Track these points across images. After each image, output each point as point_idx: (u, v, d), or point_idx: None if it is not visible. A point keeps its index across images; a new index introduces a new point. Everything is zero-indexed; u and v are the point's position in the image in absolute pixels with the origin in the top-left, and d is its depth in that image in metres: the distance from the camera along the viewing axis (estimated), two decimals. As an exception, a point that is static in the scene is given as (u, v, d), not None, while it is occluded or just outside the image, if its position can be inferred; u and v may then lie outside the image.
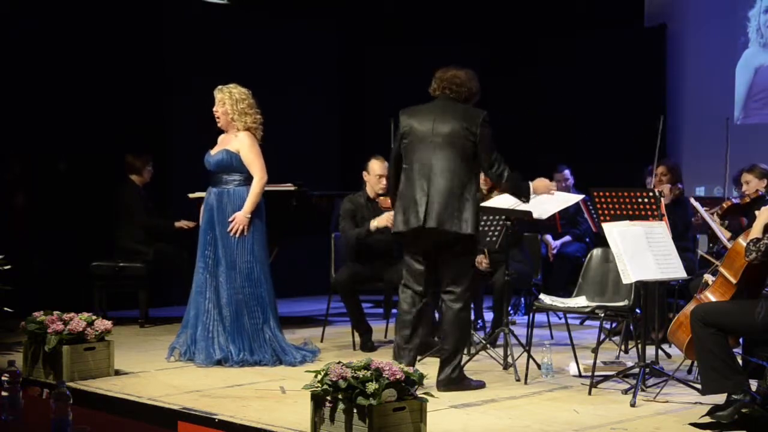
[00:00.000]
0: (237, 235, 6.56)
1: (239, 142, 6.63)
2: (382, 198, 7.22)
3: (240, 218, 6.57)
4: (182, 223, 8.38)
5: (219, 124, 6.71)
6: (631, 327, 6.89)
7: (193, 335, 6.61)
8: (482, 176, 7.41)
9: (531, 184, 5.99)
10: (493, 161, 5.75)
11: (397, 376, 4.56)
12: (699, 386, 5.33)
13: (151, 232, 8.45)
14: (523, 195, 5.97)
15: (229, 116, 6.65)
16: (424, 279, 5.85)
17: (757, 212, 5.33)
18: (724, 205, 6.90)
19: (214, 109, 6.68)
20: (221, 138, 6.77)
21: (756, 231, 5.19)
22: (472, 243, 5.81)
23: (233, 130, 6.68)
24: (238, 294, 6.56)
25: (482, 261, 7.07)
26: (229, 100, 6.64)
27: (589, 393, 5.78)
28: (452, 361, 5.80)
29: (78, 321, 6.06)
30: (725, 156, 6.73)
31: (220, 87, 6.69)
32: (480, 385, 5.93)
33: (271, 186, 6.86)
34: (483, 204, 6.72)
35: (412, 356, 5.79)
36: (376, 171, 7.24)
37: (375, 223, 7.08)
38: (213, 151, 6.71)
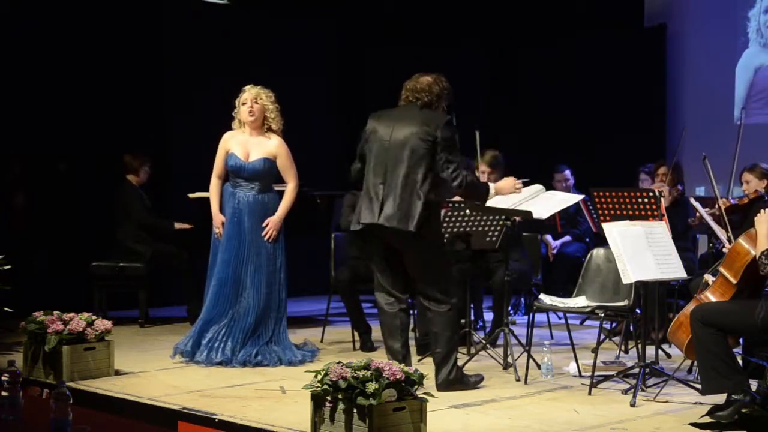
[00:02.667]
0: (271, 240, 6.58)
1: (276, 149, 6.65)
2: None
3: (275, 223, 6.62)
4: (181, 225, 8.37)
5: (253, 120, 6.62)
6: (631, 327, 6.89)
7: (201, 336, 6.57)
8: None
9: (492, 185, 5.98)
10: (449, 165, 5.67)
11: (397, 376, 4.57)
12: (699, 386, 5.34)
13: (150, 232, 8.45)
14: (480, 198, 5.96)
15: (266, 113, 6.65)
16: (394, 280, 5.81)
17: (757, 217, 5.30)
18: (721, 205, 6.86)
19: (248, 106, 6.61)
20: (242, 138, 6.67)
21: (763, 242, 5.15)
22: (428, 241, 5.70)
23: (261, 131, 6.67)
24: (264, 300, 6.58)
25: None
26: (267, 98, 6.66)
27: (589, 393, 5.78)
28: (448, 363, 5.79)
29: (78, 321, 6.06)
30: (734, 156, 6.74)
31: (250, 86, 6.67)
32: (479, 379, 5.94)
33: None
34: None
35: (408, 354, 5.81)
36: None
37: None
38: (243, 156, 6.61)
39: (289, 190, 6.72)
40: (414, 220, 5.59)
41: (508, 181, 6.07)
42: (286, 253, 6.73)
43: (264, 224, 6.61)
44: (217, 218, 6.70)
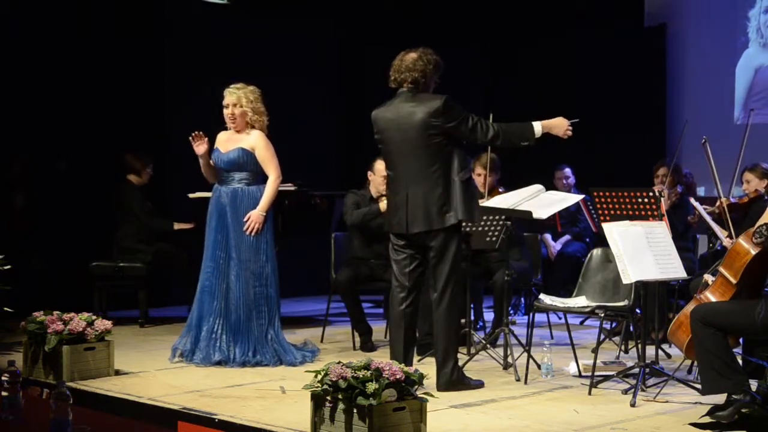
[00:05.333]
0: (253, 234, 6.56)
1: (254, 141, 6.62)
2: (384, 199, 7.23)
3: (256, 216, 6.56)
4: (181, 225, 8.38)
5: (234, 125, 6.65)
6: (631, 327, 6.89)
7: (196, 336, 6.60)
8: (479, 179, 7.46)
9: (540, 123, 5.78)
10: (473, 130, 5.69)
11: (397, 376, 4.56)
12: (699, 386, 5.33)
13: (151, 232, 8.45)
14: (525, 140, 5.77)
15: (247, 117, 6.63)
16: (410, 272, 5.83)
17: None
18: (723, 203, 6.86)
19: (229, 111, 6.62)
20: (227, 136, 6.72)
21: (765, 218, 5.19)
22: (455, 234, 5.74)
23: (244, 129, 6.68)
24: (249, 294, 6.55)
25: None
26: (246, 100, 6.61)
27: (589, 393, 5.78)
28: (449, 363, 5.79)
29: (78, 321, 6.06)
30: (737, 156, 6.76)
31: (231, 89, 6.64)
32: (479, 384, 5.93)
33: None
34: (483, 204, 6.73)
35: (408, 351, 5.82)
36: (381, 172, 7.23)
37: (384, 205, 7.04)
38: (223, 149, 6.67)
39: (270, 182, 6.63)
40: (458, 210, 5.64)
41: (561, 120, 5.87)
42: (273, 248, 6.68)
43: (245, 218, 6.59)
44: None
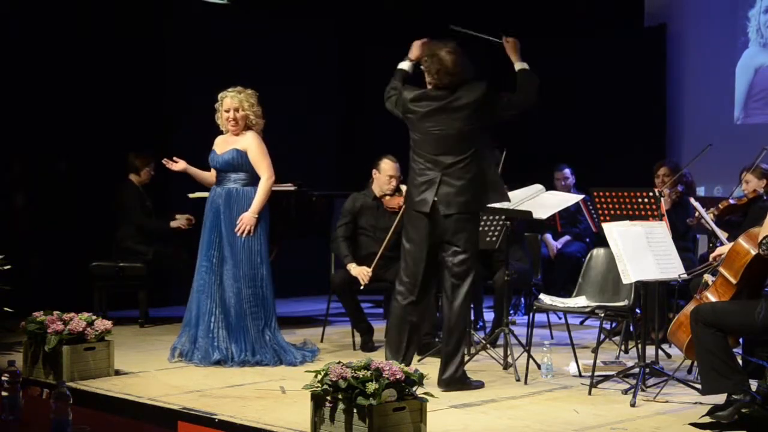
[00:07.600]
0: (244, 236, 6.55)
1: (246, 142, 6.63)
2: (388, 198, 7.21)
3: (248, 218, 6.56)
4: (181, 222, 8.35)
5: (234, 129, 6.65)
6: (631, 327, 6.89)
7: (194, 335, 6.61)
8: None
9: (517, 62, 6.12)
10: (511, 102, 5.89)
11: (397, 376, 4.57)
12: (699, 386, 5.34)
13: (150, 232, 8.45)
14: (536, 80, 5.99)
15: (248, 120, 6.65)
16: (422, 271, 5.84)
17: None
18: (720, 205, 6.88)
19: (231, 115, 6.62)
20: (223, 138, 6.74)
21: (765, 229, 5.18)
22: (478, 223, 5.83)
23: (242, 132, 6.68)
24: (243, 295, 6.55)
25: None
26: (247, 104, 6.63)
27: (589, 393, 5.78)
28: (455, 360, 5.78)
29: (78, 321, 6.06)
30: (734, 157, 6.77)
31: (232, 93, 6.64)
32: (479, 384, 5.93)
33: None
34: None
35: (410, 347, 5.84)
36: (387, 171, 7.21)
37: (354, 272, 7.04)
38: (219, 150, 6.69)
39: (262, 183, 6.63)
40: (486, 194, 5.78)
41: (510, 45, 6.28)
42: (267, 249, 6.68)
43: (238, 220, 6.59)
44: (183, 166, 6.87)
